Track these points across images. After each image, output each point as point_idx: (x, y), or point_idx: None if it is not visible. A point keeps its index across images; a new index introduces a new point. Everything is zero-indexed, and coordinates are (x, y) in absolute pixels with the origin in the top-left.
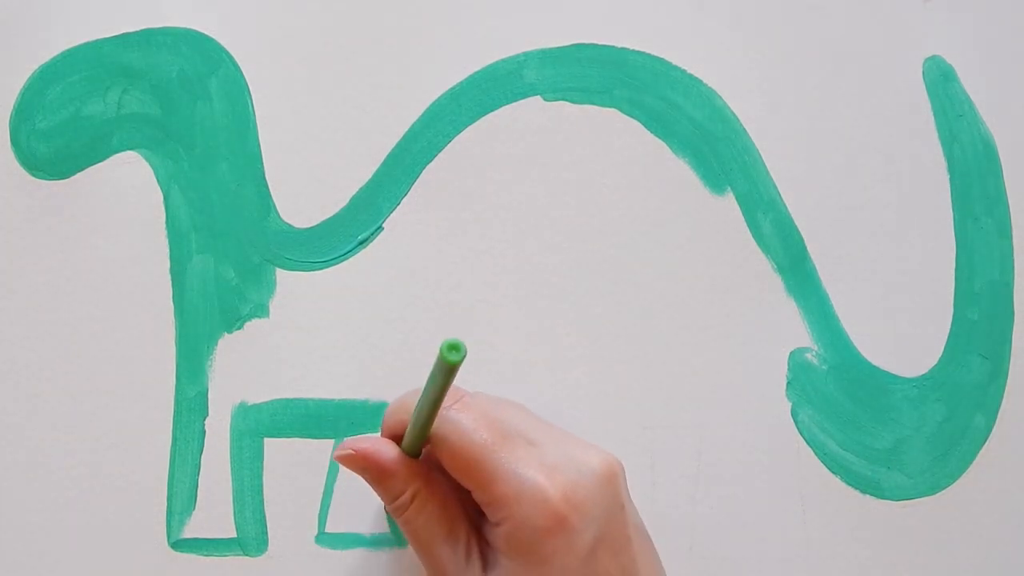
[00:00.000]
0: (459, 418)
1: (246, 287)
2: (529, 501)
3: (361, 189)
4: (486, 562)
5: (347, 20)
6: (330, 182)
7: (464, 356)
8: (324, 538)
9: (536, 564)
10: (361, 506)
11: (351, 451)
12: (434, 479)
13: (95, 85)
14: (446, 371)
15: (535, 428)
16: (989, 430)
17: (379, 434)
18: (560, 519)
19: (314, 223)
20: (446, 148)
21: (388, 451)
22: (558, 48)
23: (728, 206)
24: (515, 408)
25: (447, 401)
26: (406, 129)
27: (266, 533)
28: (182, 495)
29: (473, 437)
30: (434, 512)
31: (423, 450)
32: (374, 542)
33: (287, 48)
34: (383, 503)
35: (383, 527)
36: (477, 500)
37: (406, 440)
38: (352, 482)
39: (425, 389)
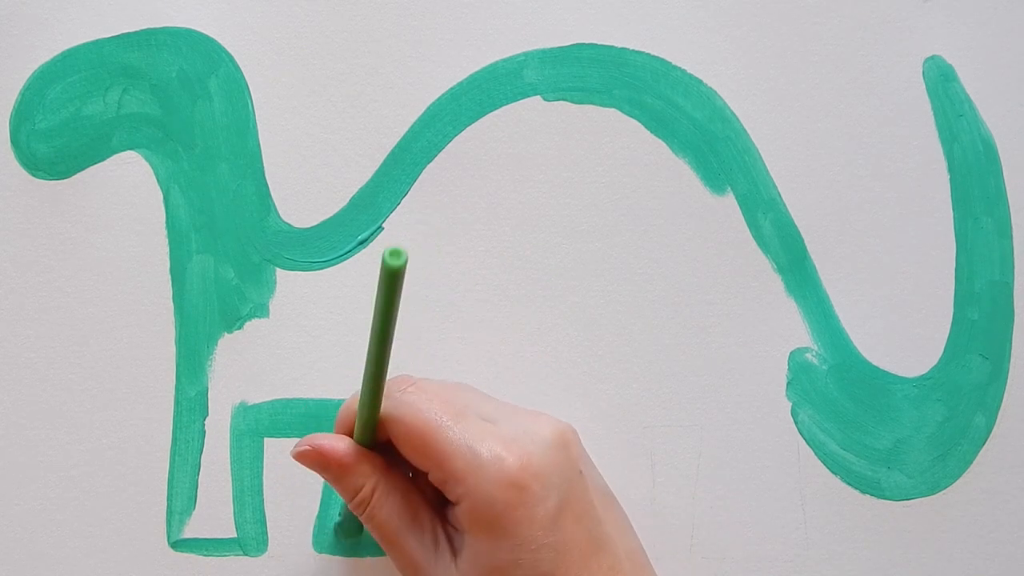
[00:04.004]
0: (411, 398)
1: (246, 287)
2: (486, 474)
3: (361, 189)
4: (454, 548)
5: (347, 20)
6: (330, 182)
7: (406, 261)
8: (324, 538)
9: (501, 538)
10: None
11: (307, 447)
12: (392, 471)
13: (95, 85)
14: (390, 281)
15: (487, 405)
16: (989, 430)
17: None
18: (520, 488)
19: (314, 223)
20: (446, 148)
21: (343, 445)
22: (558, 48)
23: (728, 206)
24: (465, 388)
25: (399, 385)
26: (406, 129)
27: (266, 533)
28: (182, 495)
29: (427, 415)
30: (396, 503)
31: (379, 443)
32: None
33: (287, 48)
34: (344, 506)
35: None
36: (434, 480)
37: (358, 423)
38: None
39: (370, 338)
